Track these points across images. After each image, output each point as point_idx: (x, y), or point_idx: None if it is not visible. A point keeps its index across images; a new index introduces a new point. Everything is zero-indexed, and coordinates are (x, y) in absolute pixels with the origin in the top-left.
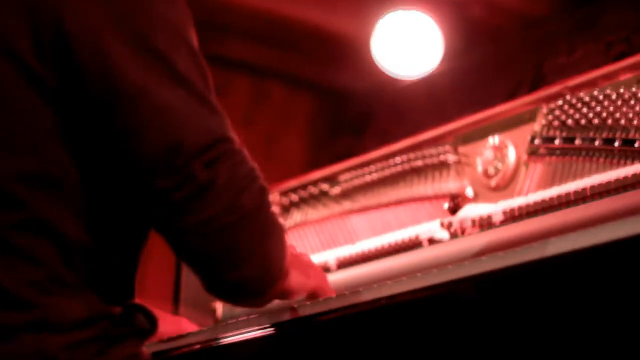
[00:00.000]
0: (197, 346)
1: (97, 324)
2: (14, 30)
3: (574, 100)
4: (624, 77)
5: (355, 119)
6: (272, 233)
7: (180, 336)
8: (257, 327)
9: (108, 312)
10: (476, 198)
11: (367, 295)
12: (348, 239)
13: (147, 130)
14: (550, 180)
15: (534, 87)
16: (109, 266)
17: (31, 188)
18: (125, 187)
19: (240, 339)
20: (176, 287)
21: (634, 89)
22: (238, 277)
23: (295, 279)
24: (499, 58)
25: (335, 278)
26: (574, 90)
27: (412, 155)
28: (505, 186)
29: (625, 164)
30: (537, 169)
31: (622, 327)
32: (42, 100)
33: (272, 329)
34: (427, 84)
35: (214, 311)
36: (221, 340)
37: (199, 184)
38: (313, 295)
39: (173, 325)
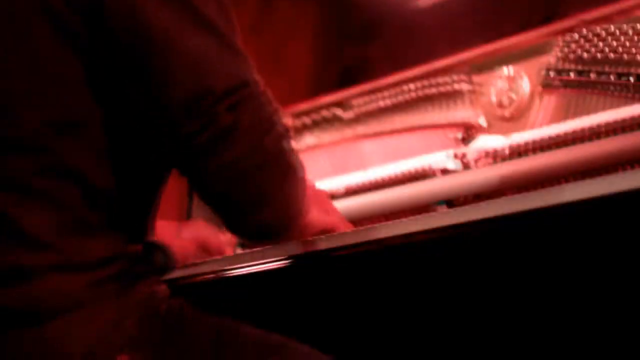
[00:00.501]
0: (211, 275)
1: (117, 262)
2: None
3: (589, 34)
4: (639, 12)
5: (363, 28)
6: (293, 175)
7: (195, 264)
8: (272, 259)
9: (128, 251)
10: (489, 128)
11: (383, 232)
12: (359, 164)
13: (174, 76)
14: (564, 113)
15: (547, 15)
16: (131, 207)
17: (56, 134)
18: (150, 131)
19: (255, 270)
20: (188, 210)
21: None
22: (260, 219)
23: (314, 215)
24: None
25: (344, 204)
26: (589, 24)
27: (426, 82)
28: (518, 117)
29: (639, 100)
30: (551, 101)
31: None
32: (71, 50)
33: (287, 261)
34: (439, 8)
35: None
36: (235, 271)
37: (222, 127)
38: (331, 232)
39: (192, 232)
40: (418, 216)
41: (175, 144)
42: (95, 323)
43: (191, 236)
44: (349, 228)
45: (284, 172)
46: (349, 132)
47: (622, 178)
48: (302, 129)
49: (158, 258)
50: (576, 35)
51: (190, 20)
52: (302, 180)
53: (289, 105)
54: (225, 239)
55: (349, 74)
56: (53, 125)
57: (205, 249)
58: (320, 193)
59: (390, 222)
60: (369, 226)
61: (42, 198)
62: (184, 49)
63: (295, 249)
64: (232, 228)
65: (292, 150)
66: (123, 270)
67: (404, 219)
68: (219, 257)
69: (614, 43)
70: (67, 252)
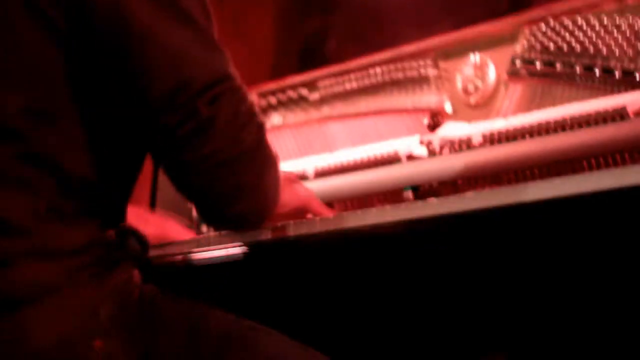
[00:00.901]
0: (180, 258)
1: (92, 250)
2: None
3: (556, 26)
4: (607, 6)
5: None
6: (269, 167)
7: (164, 245)
8: (241, 243)
9: (103, 238)
10: (455, 114)
11: (351, 221)
12: (325, 146)
13: (155, 70)
14: (530, 102)
15: (514, 2)
16: (106, 195)
17: (33, 121)
18: (129, 123)
19: (224, 255)
20: (152, 191)
21: (616, 19)
22: (237, 211)
23: (286, 195)
24: None
25: (313, 186)
26: (557, 15)
27: (392, 66)
28: (484, 104)
29: (604, 92)
30: (517, 90)
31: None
32: (51, 41)
33: (255, 246)
34: None
35: (189, 211)
36: (204, 254)
37: (201, 121)
38: (304, 211)
39: (157, 227)
40: (386, 207)
41: (154, 136)
42: (71, 310)
43: (154, 226)
44: (320, 205)
45: (261, 164)
46: (315, 113)
47: (586, 179)
48: (268, 109)
49: (132, 244)
50: (543, 26)
51: (171, 14)
52: (277, 171)
53: (251, 74)
54: (186, 232)
55: (310, 43)
56: (31, 113)
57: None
58: (288, 174)
59: (358, 212)
60: (337, 214)
61: (18, 184)
62: (164, 43)
63: (264, 234)
64: (208, 218)
65: (268, 143)
66: (99, 257)
67: (371, 209)
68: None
69: (580, 35)
70: (43, 238)
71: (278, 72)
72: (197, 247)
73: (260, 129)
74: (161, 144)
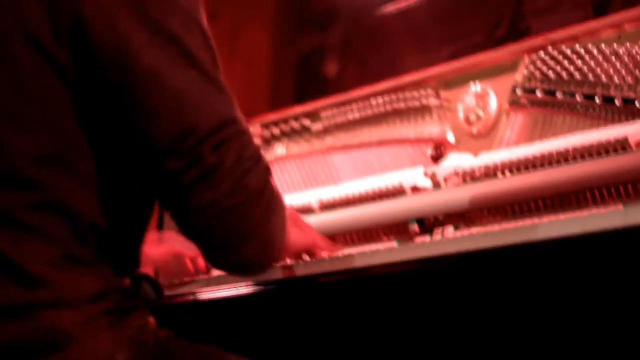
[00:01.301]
0: (190, 297)
1: (108, 297)
2: (34, 14)
3: (555, 53)
4: (605, 33)
5: (319, 16)
6: (274, 212)
7: (174, 285)
8: (249, 284)
9: (118, 285)
10: (457, 144)
11: (360, 261)
12: (329, 177)
13: (160, 113)
14: (531, 131)
15: (513, 27)
16: (119, 241)
17: (46, 168)
18: (136, 167)
19: (234, 295)
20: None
21: (615, 46)
22: (241, 256)
23: (292, 237)
24: None
25: (318, 219)
26: (556, 43)
27: (394, 96)
28: (486, 134)
29: (605, 120)
30: (518, 118)
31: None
32: (59, 83)
33: (266, 286)
34: (404, 14)
35: None
36: (215, 294)
37: (207, 166)
38: (309, 252)
39: (163, 246)
40: (394, 246)
41: (160, 180)
42: (89, 357)
43: (168, 247)
44: (326, 244)
45: (266, 209)
46: (318, 143)
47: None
48: (270, 139)
49: (146, 290)
50: (543, 54)
51: (177, 57)
52: (283, 216)
53: (246, 93)
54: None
55: (306, 62)
56: (44, 158)
57: (181, 261)
58: (295, 214)
59: (367, 251)
60: (347, 254)
61: (34, 233)
62: (170, 87)
63: (275, 274)
64: (213, 262)
65: (273, 186)
66: (114, 304)
67: (381, 249)
68: (197, 275)
69: (580, 63)
70: (60, 288)
71: (274, 91)
72: (207, 285)
73: (265, 173)
74: (166, 189)
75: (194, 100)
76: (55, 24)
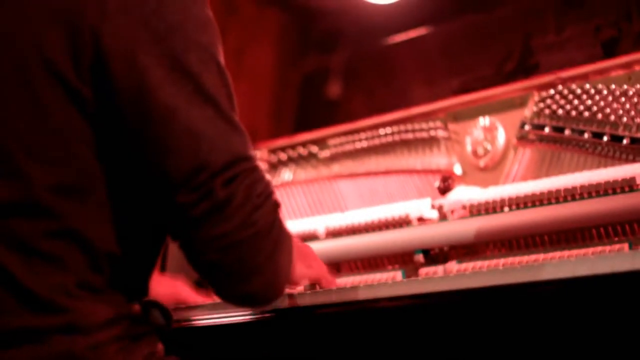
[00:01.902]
0: (194, 324)
1: (119, 324)
2: (52, 43)
3: (565, 91)
4: (615, 73)
5: (323, 37)
6: (282, 247)
7: (176, 310)
8: (257, 311)
9: (129, 311)
10: (464, 177)
11: (365, 294)
12: (336, 204)
13: (174, 148)
14: (539, 166)
15: (522, 61)
16: (131, 269)
17: (64, 198)
18: (149, 199)
19: (238, 321)
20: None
21: (624, 87)
22: (247, 290)
23: (298, 270)
24: (487, 26)
25: (323, 246)
26: (565, 81)
27: (402, 127)
28: (493, 167)
29: (612, 159)
30: (526, 154)
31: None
32: (79, 114)
33: (269, 314)
34: (413, 45)
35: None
36: (218, 320)
37: (217, 201)
38: (314, 284)
39: (168, 288)
40: (403, 280)
41: (170, 213)
42: None
43: (170, 290)
44: (332, 280)
45: (274, 244)
46: (325, 171)
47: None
48: (278, 165)
49: (156, 317)
50: (552, 91)
51: (193, 94)
52: (290, 251)
53: (251, 109)
54: (196, 293)
55: (310, 82)
56: (61, 188)
57: (180, 305)
58: (302, 246)
59: (373, 284)
60: (352, 286)
61: (48, 260)
62: (184, 123)
63: (283, 303)
64: (221, 295)
65: (282, 223)
66: (124, 331)
67: (388, 282)
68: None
69: (589, 101)
70: (72, 314)
71: (277, 110)
72: (213, 311)
73: (275, 209)
74: (177, 222)
75: (207, 137)
76: (76, 56)
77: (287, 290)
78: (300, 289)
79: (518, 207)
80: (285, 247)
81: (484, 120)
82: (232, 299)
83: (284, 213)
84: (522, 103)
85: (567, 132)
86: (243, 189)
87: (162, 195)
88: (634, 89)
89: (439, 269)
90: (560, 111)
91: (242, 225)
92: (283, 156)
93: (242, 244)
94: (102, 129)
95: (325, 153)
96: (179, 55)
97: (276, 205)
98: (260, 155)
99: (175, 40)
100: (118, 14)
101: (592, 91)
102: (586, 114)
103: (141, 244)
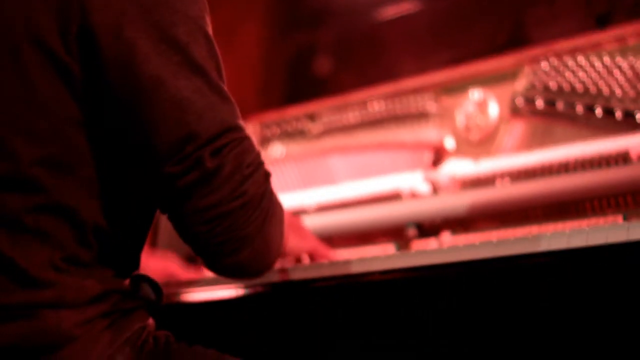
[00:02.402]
0: (187, 298)
1: (108, 299)
2: (40, 18)
3: (557, 64)
4: (608, 46)
5: (313, 13)
6: (272, 218)
7: (166, 285)
8: (249, 286)
9: (118, 286)
10: (456, 150)
11: (358, 267)
12: (327, 178)
13: (162, 120)
14: (531, 140)
15: (513, 35)
16: (120, 243)
17: (51, 172)
18: (137, 171)
19: (231, 296)
20: (154, 230)
21: (617, 59)
22: (237, 260)
23: (291, 242)
24: (477, 1)
25: (314, 221)
26: (558, 54)
27: (393, 101)
28: (485, 141)
29: (605, 132)
30: (518, 127)
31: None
32: (66, 88)
33: (261, 289)
34: (403, 20)
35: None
36: (210, 295)
37: (206, 171)
38: (309, 257)
39: (159, 263)
40: (396, 253)
41: (159, 185)
42: (88, 358)
43: (161, 266)
44: (327, 250)
45: (264, 215)
46: (317, 144)
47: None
48: (270, 139)
49: (146, 292)
50: (545, 64)
51: (181, 65)
52: (281, 222)
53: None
54: (187, 270)
55: (299, 58)
56: (48, 162)
57: (171, 280)
58: (295, 219)
59: (365, 258)
60: (345, 260)
61: (36, 235)
62: (172, 94)
63: (274, 277)
64: (211, 267)
65: (273, 193)
66: (114, 306)
67: (380, 256)
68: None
69: (582, 74)
70: (61, 289)
71: (266, 86)
72: (204, 286)
73: (265, 180)
74: (165, 193)
75: (196, 107)
76: (65, 30)
77: (280, 264)
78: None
79: (511, 180)
80: (276, 217)
81: (475, 94)
82: (222, 270)
83: (276, 187)
84: (514, 76)
85: (559, 105)
86: (232, 158)
87: (150, 167)
88: (626, 62)
89: (432, 242)
90: (552, 84)
91: (232, 195)
92: (274, 130)
93: (232, 214)
94: (89, 104)
95: (316, 127)
96: (167, 27)
97: (267, 175)
98: (252, 129)
99: (162, 12)
100: None
101: (585, 64)
102: (579, 87)
103: (130, 218)
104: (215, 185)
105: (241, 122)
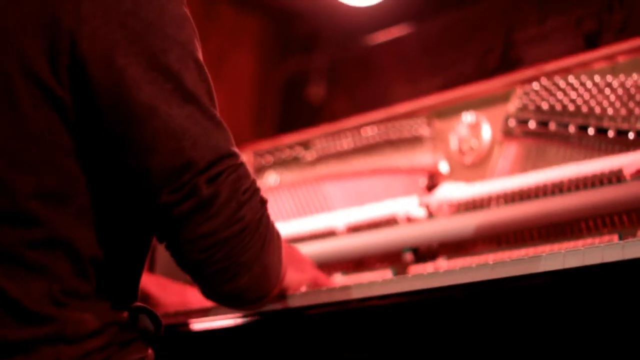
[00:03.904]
0: (186, 328)
1: (107, 331)
2: (31, 50)
3: (549, 85)
4: (598, 65)
5: (303, 39)
6: (269, 245)
7: (169, 315)
8: (247, 315)
9: (117, 318)
10: (450, 174)
11: (357, 293)
12: (322, 205)
13: (156, 149)
14: (525, 161)
15: (504, 56)
16: (118, 273)
17: (48, 205)
18: (132, 200)
19: (229, 325)
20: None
21: (608, 78)
22: (236, 287)
23: (291, 276)
24: (468, 23)
25: (312, 248)
26: (549, 74)
27: (386, 126)
28: (479, 164)
29: (598, 151)
30: (512, 149)
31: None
32: (59, 118)
33: (259, 317)
34: (394, 45)
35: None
36: (209, 325)
37: (202, 199)
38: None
39: (177, 295)
40: (394, 277)
41: (155, 214)
42: None
43: (179, 297)
44: (327, 280)
45: (261, 242)
46: (311, 172)
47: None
48: (264, 168)
49: (145, 323)
50: (536, 85)
51: (173, 92)
52: (279, 248)
53: (233, 115)
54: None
55: (292, 85)
56: (44, 195)
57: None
58: (293, 250)
59: (363, 283)
60: (343, 285)
61: (34, 269)
62: (165, 122)
63: (272, 305)
64: (209, 294)
65: (269, 220)
66: (113, 338)
67: (378, 281)
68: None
69: (573, 94)
70: (59, 324)
71: (259, 115)
72: (205, 316)
73: (261, 206)
74: (161, 222)
75: (188, 136)
76: (54, 60)
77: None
78: None
79: (505, 202)
80: (274, 244)
81: (468, 117)
82: (221, 298)
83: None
84: (506, 98)
85: (552, 125)
86: (228, 186)
87: (146, 196)
88: (617, 81)
89: (428, 267)
90: (544, 105)
91: (229, 222)
92: (268, 159)
93: (229, 241)
94: (83, 133)
95: (310, 155)
96: (157, 54)
97: (263, 202)
98: (245, 158)
99: (152, 39)
100: (94, 16)
101: (576, 84)
102: (571, 107)
103: (127, 247)
104: (212, 212)
105: (235, 148)
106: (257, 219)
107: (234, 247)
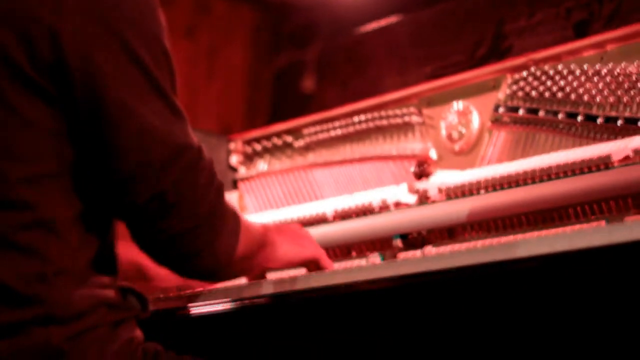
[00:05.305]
0: (181, 312)
1: (96, 311)
2: (7, 41)
3: (538, 73)
4: (587, 53)
5: (296, 33)
6: (225, 226)
7: (159, 299)
8: (237, 299)
9: (105, 298)
10: (440, 161)
11: (344, 278)
12: (312, 193)
13: (121, 145)
14: (514, 149)
15: (494, 47)
16: (102, 253)
17: (36, 189)
18: (102, 188)
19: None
20: None
21: (597, 66)
22: (197, 268)
23: (287, 247)
24: (458, 14)
25: None
26: (538, 62)
27: (376, 114)
28: (468, 151)
29: (587, 139)
30: (501, 136)
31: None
32: (45, 104)
33: (248, 302)
34: (385, 34)
35: None
36: (205, 309)
37: (162, 194)
38: (311, 265)
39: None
40: (382, 262)
41: (118, 206)
42: None
43: (128, 257)
44: (327, 260)
45: (219, 228)
46: (300, 160)
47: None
48: (253, 156)
49: (132, 303)
50: (525, 73)
51: (145, 88)
52: (235, 226)
53: (224, 109)
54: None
55: (284, 78)
56: (32, 179)
57: (142, 275)
58: (297, 228)
59: (351, 268)
60: (331, 271)
61: (24, 251)
62: (136, 120)
63: (261, 289)
64: (176, 273)
65: (224, 203)
66: (102, 319)
67: (366, 266)
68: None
69: (562, 82)
70: (49, 305)
71: (251, 108)
72: (198, 300)
73: (218, 194)
74: (124, 214)
75: (154, 133)
76: (32, 51)
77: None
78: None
79: (494, 189)
80: (229, 224)
81: (457, 105)
82: (188, 276)
83: (261, 204)
84: (495, 86)
85: (541, 113)
86: (185, 181)
87: (110, 189)
88: (606, 69)
89: (418, 254)
90: (533, 93)
91: (185, 218)
92: (258, 147)
93: (188, 233)
94: (67, 122)
95: (300, 142)
96: (134, 49)
97: (219, 187)
98: (235, 147)
99: (129, 34)
100: (75, 13)
101: (565, 72)
102: (559, 94)
103: (109, 227)
104: (172, 207)
105: (193, 138)
106: (212, 208)
107: (192, 237)
